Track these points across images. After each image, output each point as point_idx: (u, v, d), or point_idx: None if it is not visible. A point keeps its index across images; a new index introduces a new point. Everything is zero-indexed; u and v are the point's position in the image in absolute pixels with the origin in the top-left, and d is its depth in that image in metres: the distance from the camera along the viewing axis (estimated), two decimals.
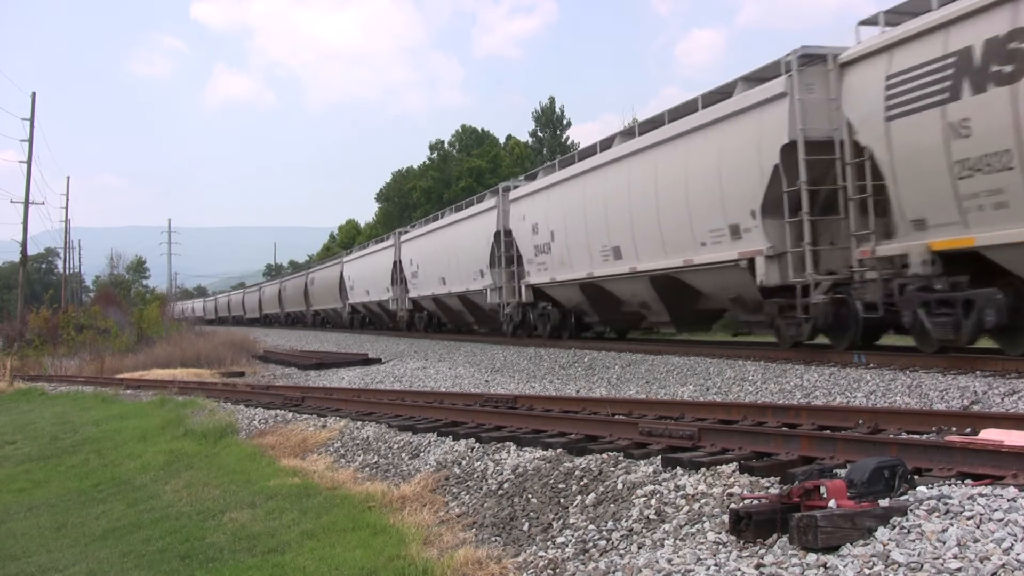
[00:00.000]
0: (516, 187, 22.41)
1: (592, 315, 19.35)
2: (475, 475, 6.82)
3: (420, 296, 29.92)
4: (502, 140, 61.77)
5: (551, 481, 6.07)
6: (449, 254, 26.41)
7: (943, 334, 10.14)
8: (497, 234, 22.59)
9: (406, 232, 32.52)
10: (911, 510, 3.77)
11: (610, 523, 5.06)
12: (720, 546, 4.12)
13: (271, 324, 58.57)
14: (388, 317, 35.23)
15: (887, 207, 10.94)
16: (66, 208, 61.12)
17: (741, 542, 4.06)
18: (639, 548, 4.56)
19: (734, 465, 5.34)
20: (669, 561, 4.00)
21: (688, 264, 14.34)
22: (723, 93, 13.70)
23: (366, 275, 37.15)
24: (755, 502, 4.38)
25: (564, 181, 18.99)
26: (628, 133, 16.95)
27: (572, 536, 5.07)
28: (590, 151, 18.31)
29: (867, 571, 3.38)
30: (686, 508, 4.86)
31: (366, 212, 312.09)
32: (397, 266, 32.21)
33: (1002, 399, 7.98)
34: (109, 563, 6.27)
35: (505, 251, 22.34)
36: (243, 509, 7.09)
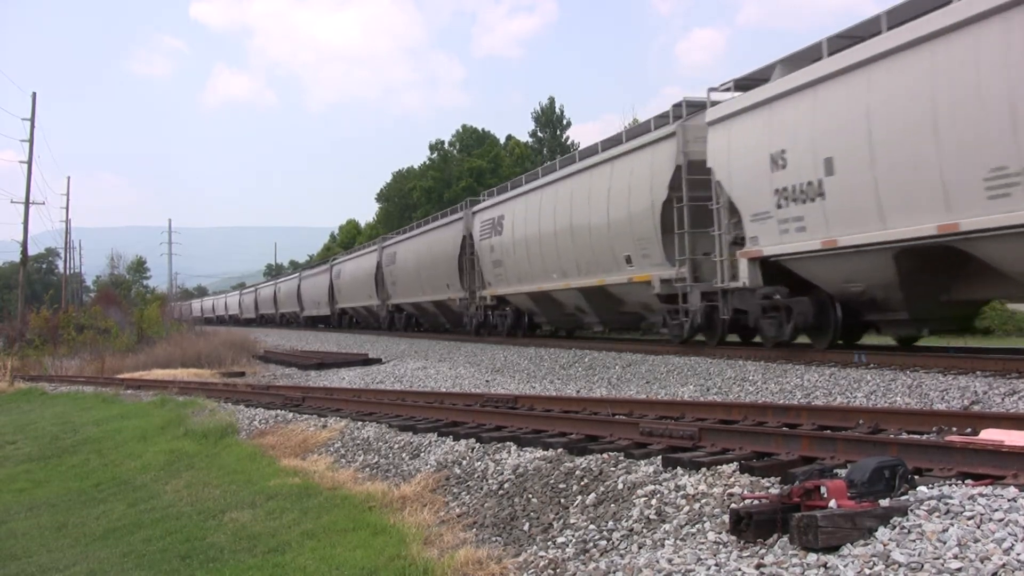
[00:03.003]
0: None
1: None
2: (475, 475, 6.81)
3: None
4: (502, 140, 61.72)
5: (552, 481, 6.07)
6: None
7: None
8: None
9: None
10: (911, 510, 3.77)
11: (610, 523, 5.05)
12: (720, 546, 4.12)
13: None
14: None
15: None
16: (66, 208, 61.27)
17: (741, 542, 4.06)
18: (639, 548, 4.56)
19: (734, 465, 5.34)
20: (669, 561, 4.00)
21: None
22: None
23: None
24: (755, 502, 4.38)
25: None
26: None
27: (572, 536, 5.07)
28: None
29: (867, 571, 3.38)
30: (686, 508, 4.85)
31: (366, 212, 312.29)
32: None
33: (1002, 399, 7.98)
34: (109, 563, 6.27)
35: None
36: (243, 509, 7.09)
